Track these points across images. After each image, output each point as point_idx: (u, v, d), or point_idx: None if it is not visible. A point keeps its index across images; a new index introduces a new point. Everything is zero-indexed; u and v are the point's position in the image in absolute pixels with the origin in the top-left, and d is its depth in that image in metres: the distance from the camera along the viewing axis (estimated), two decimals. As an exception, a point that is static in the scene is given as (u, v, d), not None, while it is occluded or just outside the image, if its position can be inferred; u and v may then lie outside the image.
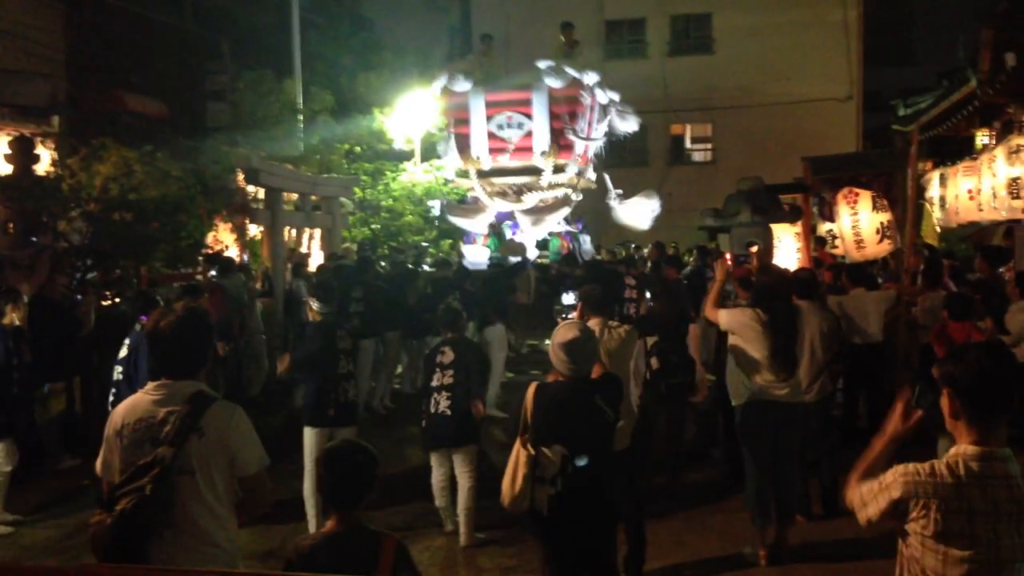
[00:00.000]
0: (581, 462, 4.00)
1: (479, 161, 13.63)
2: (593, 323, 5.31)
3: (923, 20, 27.82)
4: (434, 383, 6.18)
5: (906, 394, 2.80)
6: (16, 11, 13.32)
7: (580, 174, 14.28)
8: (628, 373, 5.41)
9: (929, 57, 23.03)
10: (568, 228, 14.93)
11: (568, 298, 5.53)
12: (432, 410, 6.15)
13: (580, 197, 14.77)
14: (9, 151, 10.18)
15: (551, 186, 13.47)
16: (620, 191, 13.99)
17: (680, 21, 25.96)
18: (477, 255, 13.82)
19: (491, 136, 13.86)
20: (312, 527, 6.07)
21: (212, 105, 17.46)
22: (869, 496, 2.67)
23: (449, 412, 6.10)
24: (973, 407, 2.60)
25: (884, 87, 23.74)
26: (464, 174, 14.03)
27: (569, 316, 5.37)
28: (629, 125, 14.73)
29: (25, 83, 12.51)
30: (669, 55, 25.59)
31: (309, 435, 6.23)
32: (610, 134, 15.09)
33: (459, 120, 13.85)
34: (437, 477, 6.30)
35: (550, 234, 14.31)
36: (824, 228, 12.37)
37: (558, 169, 13.48)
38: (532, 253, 13.56)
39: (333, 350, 6.21)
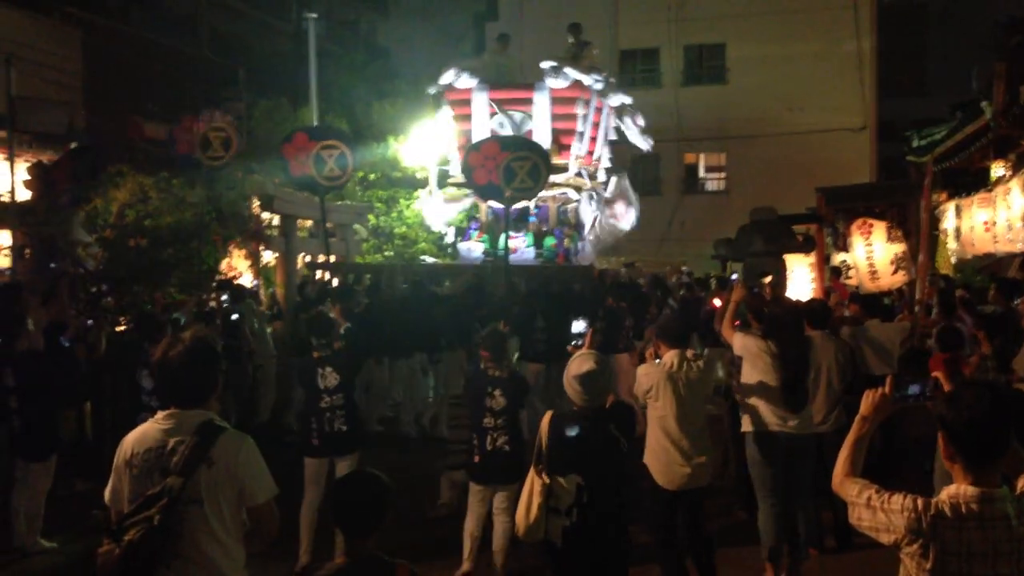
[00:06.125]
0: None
1: None
2: (670, 355, 5.28)
3: (937, 51, 27.80)
4: (486, 423, 5.97)
5: (889, 384, 2.93)
6: (34, 39, 13.49)
7: (591, 175, 14.21)
8: (703, 405, 5.39)
9: (943, 88, 22.93)
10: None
11: (578, 326, 5.41)
12: (488, 447, 5.94)
13: (581, 199, 14.53)
14: (27, 177, 10.27)
15: (551, 186, 13.32)
16: (606, 194, 13.94)
17: (694, 51, 26.02)
18: (472, 250, 13.82)
19: (493, 134, 13.80)
20: (303, 551, 6.11)
21: (228, 132, 17.57)
22: (861, 503, 2.71)
23: (508, 447, 5.93)
24: (966, 452, 2.61)
25: (898, 118, 23.72)
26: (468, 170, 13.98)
27: (579, 344, 5.27)
28: (643, 142, 14.69)
29: (43, 110, 12.65)
30: (683, 85, 25.63)
31: (305, 464, 6.37)
32: (621, 141, 15.02)
33: (461, 116, 13.84)
34: (478, 512, 6.08)
35: (545, 231, 14.10)
36: (838, 259, 12.33)
37: (558, 169, 13.38)
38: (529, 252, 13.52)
39: (314, 388, 6.30)
